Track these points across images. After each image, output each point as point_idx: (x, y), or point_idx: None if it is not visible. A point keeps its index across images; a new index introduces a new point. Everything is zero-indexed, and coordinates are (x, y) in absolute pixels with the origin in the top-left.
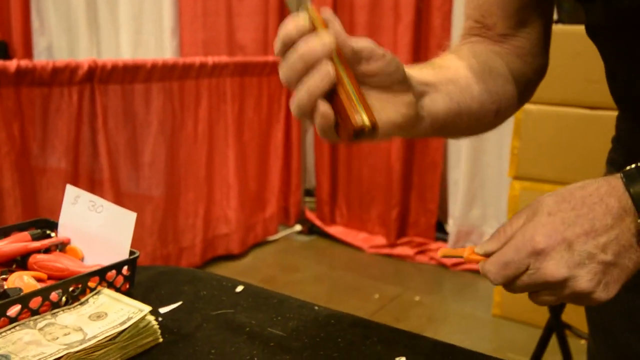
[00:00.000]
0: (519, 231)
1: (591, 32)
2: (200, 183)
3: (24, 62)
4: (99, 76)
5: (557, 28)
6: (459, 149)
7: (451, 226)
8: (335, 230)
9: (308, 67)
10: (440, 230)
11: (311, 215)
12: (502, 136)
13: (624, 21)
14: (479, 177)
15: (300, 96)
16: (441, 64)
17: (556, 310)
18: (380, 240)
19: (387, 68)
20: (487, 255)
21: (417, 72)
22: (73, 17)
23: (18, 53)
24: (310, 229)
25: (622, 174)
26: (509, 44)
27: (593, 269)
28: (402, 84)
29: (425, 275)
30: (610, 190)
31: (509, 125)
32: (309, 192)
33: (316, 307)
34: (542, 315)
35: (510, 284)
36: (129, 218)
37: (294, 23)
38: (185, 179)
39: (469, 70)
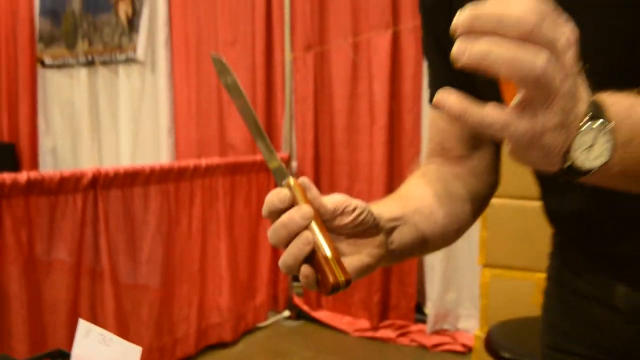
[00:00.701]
0: None
1: None
2: (194, 275)
3: (33, 174)
4: (102, 183)
5: None
6: None
7: (429, 308)
8: (321, 314)
9: (291, 235)
10: (419, 312)
11: (298, 301)
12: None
13: None
14: (453, 262)
15: (285, 259)
16: (407, 193)
17: None
18: (364, 323)
19: (357, 220)
20: None
21: (386, 209)
22: (77, 120)
23: (24, 154)
24: (298, 314)
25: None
26: (466, 164)
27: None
28: (373, 228)
29: (407, 356)
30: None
31: None
32: (296, 278)
33: None
34: None
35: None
36: (134, 351)
37: (277, 195)
38: (180, 273)
39: (433, 197)
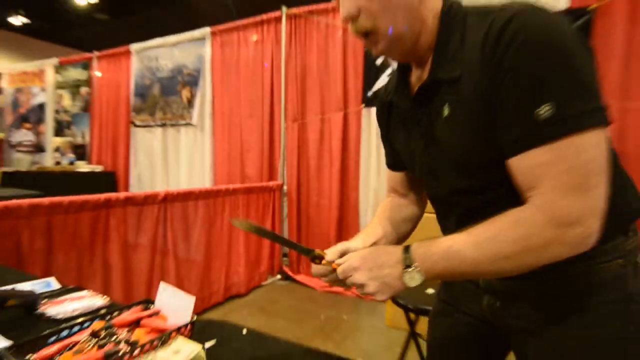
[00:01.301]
0: (352, 258)
1: None
2: (223, 254)
3: (128, 193)
4: (169, 199)
5: None
6: (367, 209)
7: None
8: (299, 277)
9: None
10: None
11: (286, 269)
12: None
13: None
14: None
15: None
16: (378, 224)
17: (412, 326)
18: (324, 282)
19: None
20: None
21: (367, 241)
22: (154, 159)
23: (120, 179)
24: (285, 277)
25: (403, 248)
26: (408, 197)
27: (377, 284)
28: None
29: (350, 302)
30: (395, 251)
31: None
32: (285, 255)
33: (281, 342)
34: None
35: (343, 280)
36: (190, 299)
37: (317, 269)
38: (215, 252)
39: (390, 224)
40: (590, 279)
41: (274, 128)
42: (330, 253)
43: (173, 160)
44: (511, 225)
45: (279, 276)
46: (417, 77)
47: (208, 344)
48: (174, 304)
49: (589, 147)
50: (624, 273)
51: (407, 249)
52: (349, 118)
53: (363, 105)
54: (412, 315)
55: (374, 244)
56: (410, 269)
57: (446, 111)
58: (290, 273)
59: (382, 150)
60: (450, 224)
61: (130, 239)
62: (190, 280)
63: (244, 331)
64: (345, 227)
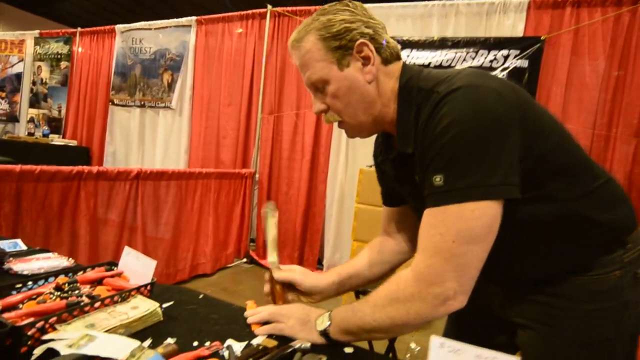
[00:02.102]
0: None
1: None
2: (191, 234)
3: (101, 168)
4: (142, 177)
5: None
6: (331, 221)
7: (325, 261)
8: (264, 262)
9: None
10: (319, 263)
11: (252, 253)
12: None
13: None
14: (339, 237)
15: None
16: (352, 263)
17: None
18: None
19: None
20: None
21: (327, 280)
22: (130, 138)
23: (95, 155)
24: (251, 261)
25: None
26: (397, 239)
27: (303, 328)
28: (310, 292)
29: None
30: (320, 313)
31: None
32: (252, 240)
33: (234, 306)
34: None
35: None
36: (152, 263)
37: (266, 286)
38: (183, 232)
39: (367, 264)
40: (589, 288)
41: (251, 118)
42: (278, 274)
43: (149, 140)
44: (392, 280)
45: (245, 259)
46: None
47: (166, 305)
48: (137, 266)
49: (467, 218)
50: (620, 283)
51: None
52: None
53: None
54: None
55: (338, 281)
56: (325, 323)
57: (417, 177)
58: (256, 257)
59: (351, 147)
60: None
61: (100, 212)
62: (157, 256)
63: (200, 296)
64: (312, 215)
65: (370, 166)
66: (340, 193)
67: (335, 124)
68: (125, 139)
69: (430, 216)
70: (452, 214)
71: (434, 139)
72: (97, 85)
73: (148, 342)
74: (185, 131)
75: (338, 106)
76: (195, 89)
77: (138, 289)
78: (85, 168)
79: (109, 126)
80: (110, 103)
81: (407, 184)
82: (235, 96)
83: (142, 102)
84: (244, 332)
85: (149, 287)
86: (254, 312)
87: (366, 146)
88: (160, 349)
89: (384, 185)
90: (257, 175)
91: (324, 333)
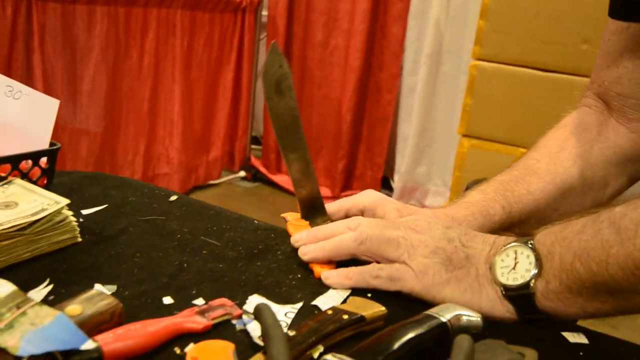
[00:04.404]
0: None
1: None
2: (143, 118)
3: None
4: None
5: None
6: (411, 104)
7: (397, 182)
8: (279, 178)
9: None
10: (385, 187)
11: (256, 163)
12: (454, 94)
13: None
14: (429, 133)
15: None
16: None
17: None
18: (325, 191)
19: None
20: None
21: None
22: None
23: None
24: (255, 176)
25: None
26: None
27: (453, 279)
28: None
29: None
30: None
31: (462, 83)
32: (256, 140)
33: (256, 222)
34: None
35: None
36: (51, 105)
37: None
38: (126, 113)
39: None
40: None
41: None
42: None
43: None
44: None
45: (242, 173)
46: None
47: (91, 210)
48: (14, 113)
49: None
50: None
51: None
52: None
53: None
54: None
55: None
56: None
57: None
58: (263, 170)
59: None
60: None
61: None
62: (78, 157)
63: (172, 197)
64: (375, 90)
65: None
66: (436, 42)
67: None
68: None
69: None
70: None
71: None
72: None
73: (42, 289)
74: None
75: None
76: None
77: (16, 164)
78: None
79: None
80: None
81: None
82: None
83: None
84: (283, 278)
85: (44, 163)
86: (311, 235)
87: None
88: (73, 307)
89: None
90: (264, 12)
91: (522, 297)
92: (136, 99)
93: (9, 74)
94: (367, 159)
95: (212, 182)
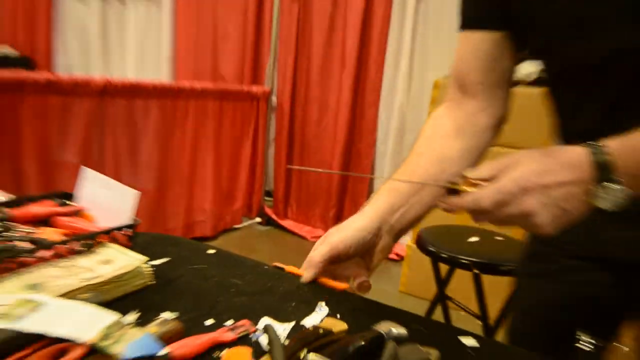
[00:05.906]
0: (514, 170)
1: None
2: (184, 180)
3: (52, 76)
4: (110, 91)
5: None
6: (383, 166)
7: None
8: (286, 223)
9: None
10: None
11: (269, 211)
12: None
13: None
14: None
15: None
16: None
17: (442, 286)
18: (320, 232)
19: (346, 258)
20: (478, 180)
21: (387, 210)
22: (90, 41)
23: (41, 68)
24: (267, 221)
25: (590, 148)
26: (482, 97)
27: (553, 211)
28: (366, 249)
29: None
30: (580, 158)
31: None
32: (268, 193)
33: (266, 267)
34: (433, 292)
35: (493, 211)
36: (131, 194)
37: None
38: (172, 177)
39: (436, 161)
40: None
41: (264, 8)
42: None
43: (115, 46)
44: None
45: (258, 219)
46: None
47: (158, 261)
48: (106, 199)
49: None
50: None
51: (596, 150)
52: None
53: None
54: (442, 271)
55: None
56: (606, 184)
57: None
58: (274, 216)
59: (420, 48)
60: (590, 116)
61: (52, 141)
62: (139, 208)
63: (211, 251)
64: (356, 155)
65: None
66: (400, 121)
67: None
68: (82, 46)
69: None
70: None
71: None
72: None
73: (133, 316)
74: (166, 30)
75: None
76: None
77: (108, 232)
78: (29, 76)
79: (57, 27)
80: None
81: None
82: None
83: None
84: (287, 306)
85: (129, 232)
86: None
87: (442, 45)
88: (152, 328)
89: None
90: (274, 98)
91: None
92: (179, 166)
93: (86, 151)
94: (352, 207)
95: (236, 226)
